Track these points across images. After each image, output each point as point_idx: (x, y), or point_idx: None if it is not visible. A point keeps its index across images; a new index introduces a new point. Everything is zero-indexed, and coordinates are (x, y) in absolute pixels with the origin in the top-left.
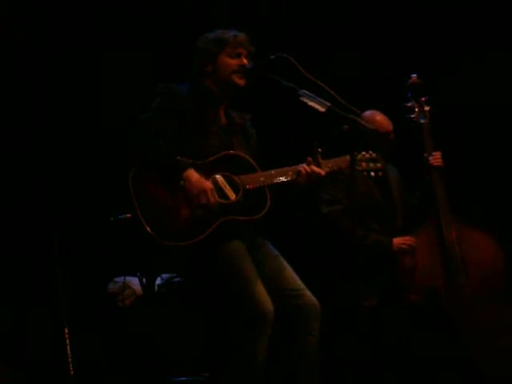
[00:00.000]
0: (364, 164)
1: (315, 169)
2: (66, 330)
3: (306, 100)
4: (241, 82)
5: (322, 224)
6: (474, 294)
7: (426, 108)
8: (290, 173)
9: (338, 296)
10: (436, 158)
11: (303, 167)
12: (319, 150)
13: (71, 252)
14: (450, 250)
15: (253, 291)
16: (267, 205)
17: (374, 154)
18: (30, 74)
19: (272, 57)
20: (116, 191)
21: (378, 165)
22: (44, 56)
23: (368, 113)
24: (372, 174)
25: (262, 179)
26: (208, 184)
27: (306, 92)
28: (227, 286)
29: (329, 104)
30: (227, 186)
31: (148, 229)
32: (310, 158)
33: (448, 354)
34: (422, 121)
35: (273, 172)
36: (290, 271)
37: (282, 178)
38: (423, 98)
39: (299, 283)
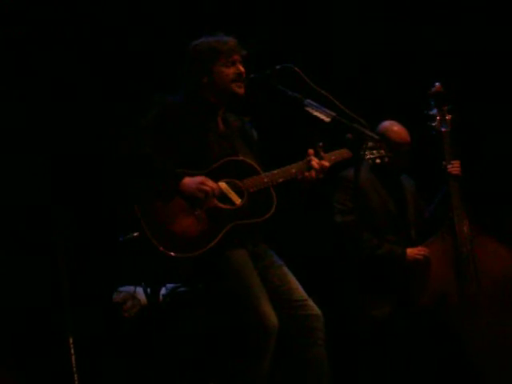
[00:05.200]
0: (367, 153)
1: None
2: (71, 340)
3: (310, 110)
4: (240, 90)
5: (336, 233)
6: (485, 303)
7: (448, 117)
8: (293, 170)
9: (349, 306)
10: (454, 167)
11: (308, 160)
12: (320, 144)
13: (77, 262)
14: (463, 259)
15: (258, 305)
16: (273, 206)
17: (376, 142)
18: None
19: (277, 66)
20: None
21: (382, 151)
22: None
23: (386, 123)
24: (377, 161)
25: (265, 180)
26: (198, 178)
27: (311, 102)
28: (233, 299)
29: (333, 114)
30: (232, 191)
31: (160, 246)
32: (311, 150)
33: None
34: (443, 129)
35: (275, 172)
36: (293, 282)
37: (286, 177)
38: (445, 107)
39: (303, 294)
